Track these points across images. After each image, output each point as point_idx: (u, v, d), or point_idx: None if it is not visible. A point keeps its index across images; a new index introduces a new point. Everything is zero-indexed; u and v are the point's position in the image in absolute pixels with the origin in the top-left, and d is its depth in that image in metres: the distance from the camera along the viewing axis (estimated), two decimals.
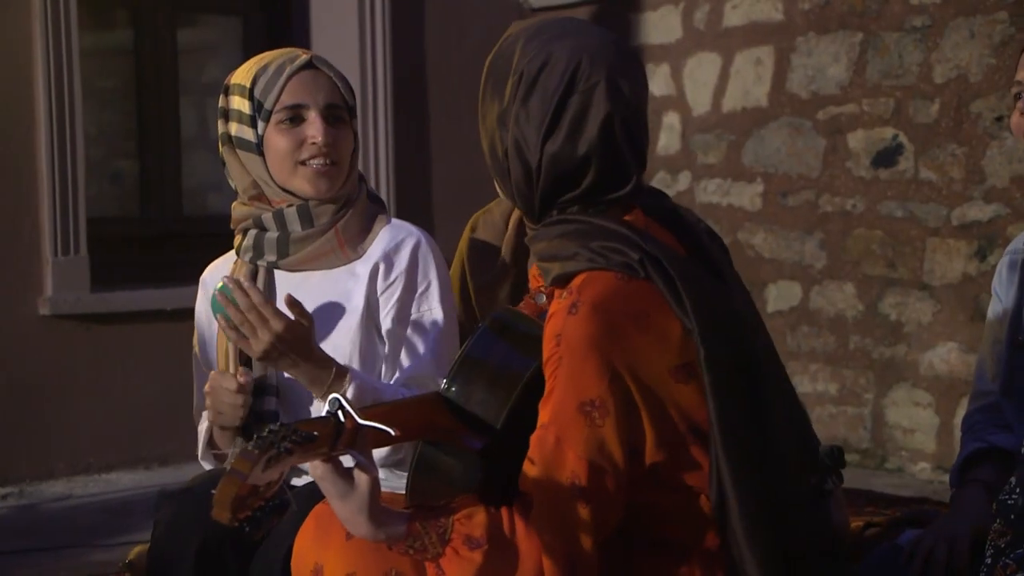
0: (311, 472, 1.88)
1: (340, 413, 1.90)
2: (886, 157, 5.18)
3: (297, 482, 2.68)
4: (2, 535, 4.35)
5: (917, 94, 5.09)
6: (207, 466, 2.76)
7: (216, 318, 2.51)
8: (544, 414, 2.00)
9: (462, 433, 2.06)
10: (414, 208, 5.86)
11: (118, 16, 5.88)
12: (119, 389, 5.27)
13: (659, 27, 5.92)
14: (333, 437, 1.86)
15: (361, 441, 1.91)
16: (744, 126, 5.66)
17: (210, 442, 2.72)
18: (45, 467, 5.09)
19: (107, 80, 5.81)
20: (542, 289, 2.33)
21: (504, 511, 1.98)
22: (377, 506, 1.92)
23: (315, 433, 1.83)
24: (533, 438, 2.00)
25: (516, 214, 2.95)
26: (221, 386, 2.56)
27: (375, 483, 1.91)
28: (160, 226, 5.67)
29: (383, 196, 5.83)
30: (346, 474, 1.90)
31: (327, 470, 1.89)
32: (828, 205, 5.37)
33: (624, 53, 2.16)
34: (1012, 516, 2.02)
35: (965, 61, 4.95)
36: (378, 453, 2.49)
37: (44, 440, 5.09)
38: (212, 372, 2.62)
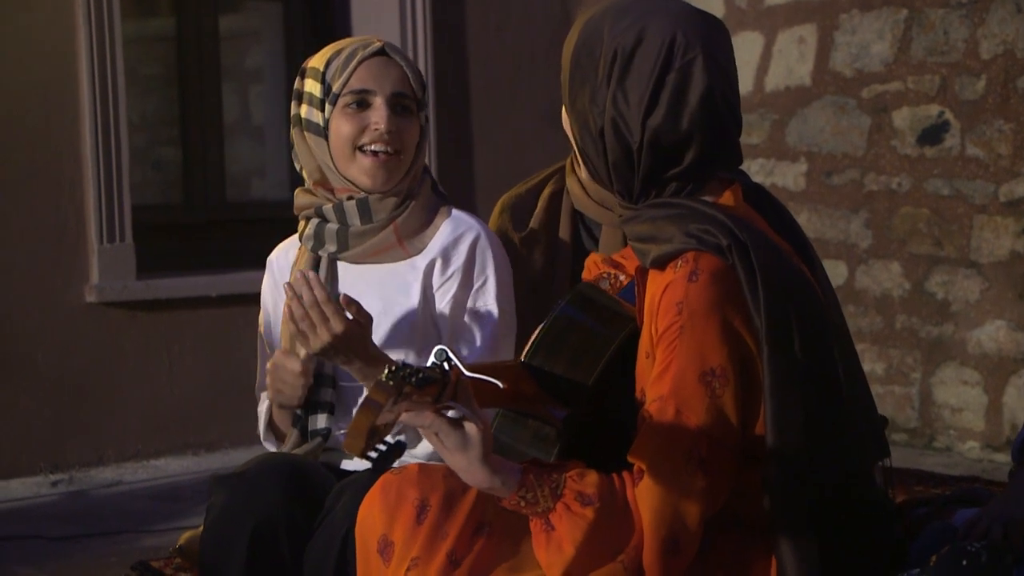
0: (423, 425, 1.89)
1: (446, 364, 1.90)
2: (932, 134, 5.14)
3: (348, 465, 2.69)
4: (53, 521, 4.38)
5: (963, 70, 5.04)
6: (268, 446, 2.77)
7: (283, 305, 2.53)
8: (661, 386, 1.99)
9: (546, 402, 2.06)
10: (455, 196, 5.82)
11: (160, 3, 5.89)
12: (166, 376, 5.29)
13: (701, 6, 5.88)
14: (440, 387, 1.87)
15: (463, 394, 1.91)
16: (787, 105, 5.63)
17: (270, 423, 2.74)
18: (94, 454, 5.12)
19: (150, 67, 5.83)
20: (604, 275, 2.33)
21: (614, 476, 1.99)
22: (492, 455, 1.94)
23: (433, 376, 1.84)
24: (649, 409, 1.99)
25: (547, 191, 2.94)
26: (284, 366, 2.58)
27: (488, 432, 1.92)
28: (204, 213, 5.68)
29: None
30: (458, 425, 1.91)
31: (442, 422, 1.90)
32: (873, 184, 5.33)
33: (714, 24, 2.17)
34: None
35: (1012, 36, 4.90)
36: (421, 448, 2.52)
37: (93, 427, 5.12)
38: (276, 351, 2.63)
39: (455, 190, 5.94)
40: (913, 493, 3.93)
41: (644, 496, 1.96)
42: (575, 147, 2.23)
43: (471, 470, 1.93)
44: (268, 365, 2.62)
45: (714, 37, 2.14)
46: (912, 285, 5.22)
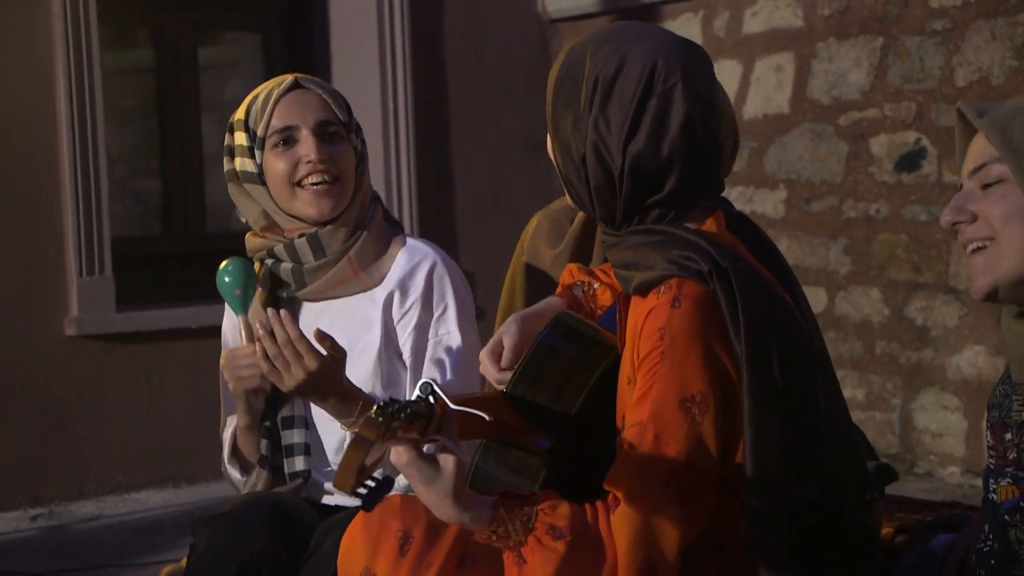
0: (394, 459, 1.89)
1: (431, 397, 1.90)
2: (909, 161, 5.17)
3: (330, 500, 2.68)
4: (33, 556, 4.36)
5: (939, 97, 5.07)
6: (232, 472, 2.75)
7: (254, 345, 2.52)
8: (640, 411, 1.99)
9: (530, 432, 2.06)
10: (437, 226, 5.86)
11: (139, 35, 5.90)
12: (146, 408, 5.28)
13: (679, 34, 5.91)
14: (425, 421, 1.87)
15: (448, 427, 1.92)
16: (766, 133, 5.65)
17: (234, 450, 2.73)
18: (75, 487, 5.10)
19: (129, 99, 5.84)
20: (578, 283, 2.34)
21: (587, 507, 1.98)
22: (463, 490, 1.93)
23: (421, 411, 1.84)
24: (627, 436, 1.99)
25: (579, 216, 2.93)
26: (236, 351, 2.58)
27: (461, 467, 1.92)
28: (184, 244, 5.68)
29: (406, 214, 5.84)
30: (430, 459, 1.91)
31: (412, 456, 1.90)
32: (852, 210, 5.35)
33: (696, 51, 2.17)
34: (992, 561, 2.01)
35: (987, 63, 4.93)
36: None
37: (73, 461, 5.10)
38: (225, 351, 2.63)
39: (436, 220, 5.96)
40: (894, 519, 3.93)
41: (620, 524, 1.95)
42: (559, 174, 2.23)
43: (441, 505, 1.93)
44: (221, 362, 2.61)
45: (695, 64, 2.15)
46: (891, 311, 5.24)
